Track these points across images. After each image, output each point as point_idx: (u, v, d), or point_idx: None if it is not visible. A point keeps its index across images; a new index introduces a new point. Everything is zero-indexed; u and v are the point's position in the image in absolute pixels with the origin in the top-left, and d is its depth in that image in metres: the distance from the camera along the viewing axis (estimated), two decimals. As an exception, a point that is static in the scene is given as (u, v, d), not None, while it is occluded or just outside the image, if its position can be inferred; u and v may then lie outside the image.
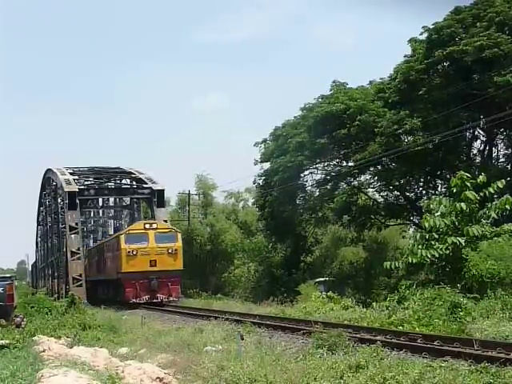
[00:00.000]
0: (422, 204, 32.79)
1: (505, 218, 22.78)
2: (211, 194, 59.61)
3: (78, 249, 37.59)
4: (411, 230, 42.46)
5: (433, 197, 26.52)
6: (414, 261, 21.31)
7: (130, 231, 33.52)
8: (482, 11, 32.39)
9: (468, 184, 21.54)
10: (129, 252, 32.02)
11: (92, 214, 59.48)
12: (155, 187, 40.51)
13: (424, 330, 14.27)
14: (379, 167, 37.96)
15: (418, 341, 12.59)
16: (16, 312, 19.35)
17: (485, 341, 12.06)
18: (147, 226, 33.17)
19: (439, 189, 37.29)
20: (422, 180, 38.38)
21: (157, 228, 33.10)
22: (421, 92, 32.85)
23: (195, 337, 15.65)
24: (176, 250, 32.64)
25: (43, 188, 50.05)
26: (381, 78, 38.96)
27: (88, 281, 42.22)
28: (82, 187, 41.27)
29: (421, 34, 34.74)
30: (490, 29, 31.22)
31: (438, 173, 37.17)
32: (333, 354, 11.61)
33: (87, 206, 50.26)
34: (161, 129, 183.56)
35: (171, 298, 32.14)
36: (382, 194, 41.46)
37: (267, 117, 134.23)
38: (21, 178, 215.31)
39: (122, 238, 32.92)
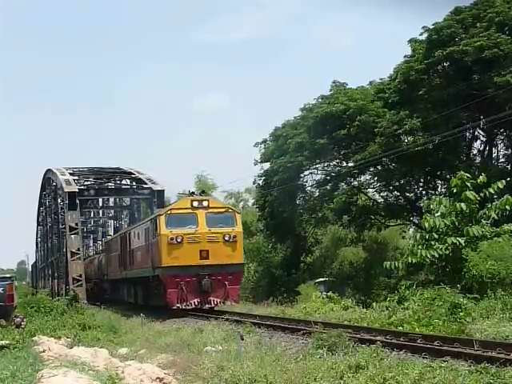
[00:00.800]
0: (421, 204, 32.75)
1: (505, 219, 22.78)
2: (211, 194, 59.65)
3: (78, 249, 37.48)
4: (411, 230, 42.47)
5: (433, 197, 26.58)
6: (414, 261, 21.35)
7: (173, 211, 24.65)
8: (481, 11, 32.40)
9: (468, 184, 21.56)
10: (171, 239, 23.77)
11: (92, 215, 59.51)
12: (155, 187, 40.45)
13: (424, 331, 14.27)
14: (379, 167, 37.95)
15: (418, 341, 12.59)
16: (16, 312, 19.36)
17: (485, 341, 12.06)
18: (195, 203, 24.43)
19: (439, 189, 37.31)
20: (421, 180, 38.38)
21: (209, 206, 24.55)
22: (421, 92, 32.86)
23: (195, 337, 15.66)
24: (235, 236, 24.38)
25: (43, 188, 50.02)
26: (381, 79, 39.01)
27: (106, 280, 39.04)
28: (82, 187, 41.19)
29: (421, 34, 34.77)
30: (489, 29, 31.23)
31: (438, 173, 37.18)
32: (333, 354, 11.61)
33: (87, 206, 50.22)
34: (161, 129, 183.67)
35: (228, 303, 24.23)
36: (381, 194, 41.45)
37: (267, 117, 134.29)
38: (21, 178, 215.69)
39: (162, 219, 24.30)
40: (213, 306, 23.97)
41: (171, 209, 25.08)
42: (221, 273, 23.92)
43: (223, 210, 25.18)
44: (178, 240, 23.80)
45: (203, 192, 25.98)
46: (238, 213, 25.96)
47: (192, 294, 23.63)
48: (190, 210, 24.35)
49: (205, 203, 24.62)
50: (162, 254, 24.01)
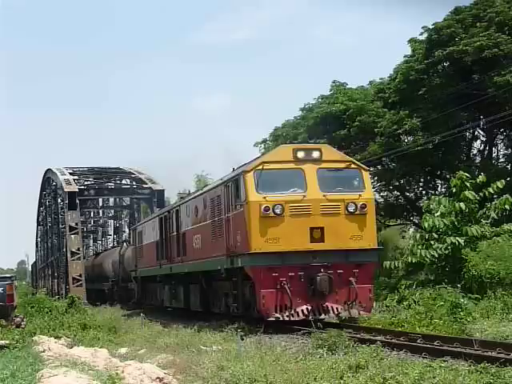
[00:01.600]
0: (421, 204, 32.79)
1: (504, 218, 22.80)
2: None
3: (78, 249, 37.63)
4: (411, 230, 42.47)
5: (433, 197, 26.54)
6: (414, 261, 21.37)
7: (267, 165, 15.97)
8: (481, 11, 32.39)
9: (468, 184, 21.56)
10: (266, 210, 15.50)
11: (92, 214, 59.64)
12: (155, 187, 40.60)
13: (424, 331, 14.27)
14: (379, 167, 37.97)
15: (418, 341, 12.59)
16: (16, 312, 19.35)
17: (485, 341, 12.07)
18: (301, 153, 16.13)
19: (439, 189, 37.33)
20: (421, 180, 38.40)
21: (321, 159, 16.26)
22: (421, 92, 32.85)
23: (195, 337, 15.65)
24: (364, 206, 16.29)
25: (43, 188, 50.09)
26: (381, 78, 39.01)
27: (134, 278, 30.75)
28: (82, 187, 41.37)
29: (420, 34, 34.79)
30: (489, 29, 31.22)
31: (438, 173, 37.18)
32: (333, 354, 11.61)
33: (87, 206, 50.34)
34: (161, 128, 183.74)
35: (356, 312, 15.77)
36: (381, 194, 41.47)
37: (267, 117, 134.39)
38: (21, 178, 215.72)
39: (250, 178, 15.83)
40: (331, 316, 15.90)
41: (264, 161, 16.10)
42: (343, 264, 15.85)
43: (343, 164, 16.54)
44: (277, 211, 15.55)
45: (310, 139, 15.90)
46: (366, 170, 17.11)
47: (299, 297, 15.43)
48: (292, 165, 16.08)
49: (315, 154, 16.24)
50: (250, 232, 15.61)
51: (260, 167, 15.89)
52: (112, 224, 59.16)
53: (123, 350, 14.30)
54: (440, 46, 32.44)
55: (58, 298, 31.41)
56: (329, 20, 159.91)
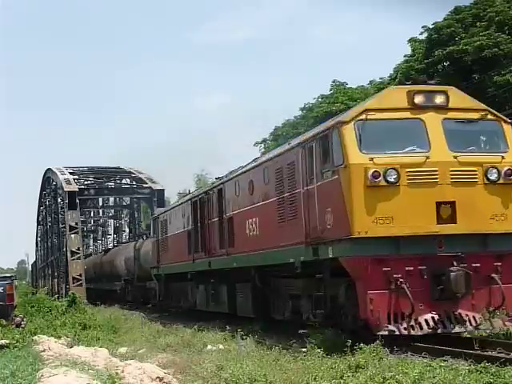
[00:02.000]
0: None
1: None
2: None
3: (78, 248, 37.66)
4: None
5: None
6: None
7: (370, 114, 11.39)
8: (481, 11, 32.48)
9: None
10: (374, 176, 11.07)
11: (92, 214, 59.71)
12: (155, 187, 40.60)
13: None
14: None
15: (418, 341, 12.56)
16: (16, 312, 19.36)
17: (485, 340, 12.05)
18: (420, 97, 11.60)
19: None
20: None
21: (448, 106, 11.80)
22: (421, 92, 32.93)
23: (195, 336, 15.65)
24: (510, 172, 11.62)
25: (43, 188, 50.12)
26: (381, 78, 39.18)
27: (156, 277, 26.17)
28: (82, 187, 41.41)
29: (421, 33, 34.95)
30: (489, 28, 31.31)
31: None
32: (333, 353, 11.58)
33: (87, 205, 50.38)
34: (161, 128, 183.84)
35: (500, 323, 11.57)
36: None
37: (267, 116, 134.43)
38: (21, 178, 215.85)
39: (348, 132, 11.35)
40: (468, 328, 11.70)
41: (367, 110, 11.59)
42: (481, 254, 11.59)
43: (478, 114, 12.07)
44: (390, 178, 11.22)
45: (431, 79, 13.69)
46: (508, 122, 12.31)
47: (421, 301, 11.27)
48: (408, 114, 11.76)
49: (439, 98, 11.82)
50: (352, 208, 11.21)
51: (363, 117, 11.45)
52: (112, 224, 59.26)
53: (123, 350, 14.28)
54: (440, 45, 32.53)
55: (58, 298, 31.45)
56: (329, 20, 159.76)
